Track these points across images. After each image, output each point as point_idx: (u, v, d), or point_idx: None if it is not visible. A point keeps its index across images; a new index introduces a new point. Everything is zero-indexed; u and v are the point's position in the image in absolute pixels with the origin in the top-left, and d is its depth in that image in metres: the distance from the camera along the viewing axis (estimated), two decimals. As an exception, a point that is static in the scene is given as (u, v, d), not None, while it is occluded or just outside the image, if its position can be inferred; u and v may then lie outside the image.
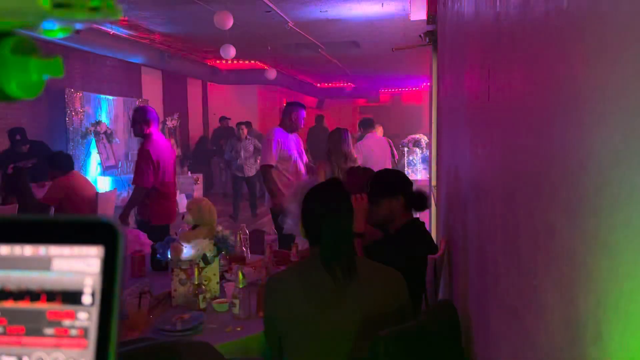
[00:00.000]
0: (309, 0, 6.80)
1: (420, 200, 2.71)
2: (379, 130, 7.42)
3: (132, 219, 4.89)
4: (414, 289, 2.21)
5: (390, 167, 6.46)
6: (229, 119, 12.21)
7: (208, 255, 2.61)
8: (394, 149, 7.38)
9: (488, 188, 1.50)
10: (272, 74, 11.15)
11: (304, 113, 4.95)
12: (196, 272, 2.49)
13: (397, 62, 11.91)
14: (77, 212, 4.92)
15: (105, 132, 9.09)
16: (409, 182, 2.76)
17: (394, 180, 2.73)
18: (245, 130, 9.28)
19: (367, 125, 6.97)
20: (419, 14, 5.07)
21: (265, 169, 4.73)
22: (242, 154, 9.17)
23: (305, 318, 1.84)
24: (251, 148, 9.19)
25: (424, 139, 7.99)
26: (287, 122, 4.86)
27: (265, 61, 11.95)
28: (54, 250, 0.40)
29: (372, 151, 6.48)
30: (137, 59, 9.49)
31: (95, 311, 0.39)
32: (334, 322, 1.83)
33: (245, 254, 3.13)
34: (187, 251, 2.61)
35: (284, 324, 1.87)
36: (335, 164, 4.77)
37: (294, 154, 4.85)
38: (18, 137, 6.17)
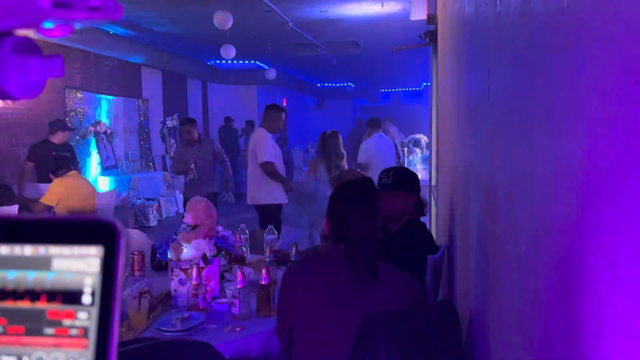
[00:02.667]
0: (309, 0, 6.80)
1: (423, 205, 2.78)
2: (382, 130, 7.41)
3: (131, 219, 4.91)
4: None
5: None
6: (233, 119, 12.20)
7: (208, 255, 2.61)
8: (399, 149, 7.37)
9: (488, 188, 1.50)
10: (272, 74, 11.14)
11: (284, 116, 5.40)
12: (196, 272, 2.49)
13: (397, 62, 11.92)
14: (76, 212, 4.91)
15: (105, 132, 9.09)
16: (419, 184, 2.84)
17: (414, 179, 2.80)
18: (195, 134, 6.05)
19: (374, 125, 6.94)
20: (419, 14, 5.08)
21: (269, 165, 5.10)
22: (192, 163, 5.88)
23: (318, 314, 1.85)
24: (210, 156, 6.04)
25: (424, 139, 7.99)
26: (270, 124, 5.23)
27: (265, 61, 11.95)
28: (54, 250, 0.40)
29: (377, 151, 6.49)
30: (137, 59, 9.49)
31: (95, 311, 0.39)
32: (346, 321, 1.83)
33: (245, 254, 3.13)
34: (187, 251, 2.61)
35: (297, 317, 1.88)
36: (334, 162, 5.13)
37: (280, 154, 5.35)
38: (59, 126, 6.17)
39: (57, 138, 6.03)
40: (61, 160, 5.20)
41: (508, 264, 1.18)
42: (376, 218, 1.93)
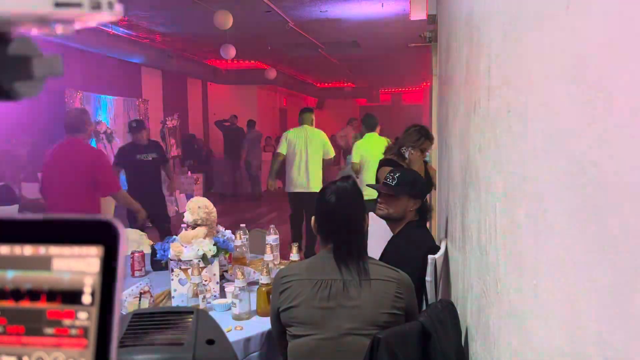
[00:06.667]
0: (309, 0, 6.80)
1: (426, 212, 2.74)
2: (378, 130, 7.27)
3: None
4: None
5: None
6: (236, 117, 12.24)
7: (208, 255, 2.61)
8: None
9: (488, 188, 1.50)
10: (272, 74, 11.14)
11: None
12: (196, 272, 2.49)
13: (397, 62, 11.92)
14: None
15: (105, 132, 9.09)
16: (427, 192, 2.81)
17: (420, 184, 2.75)
18: None
19: (369, 124, 6.59)
20: (419, 14, 5.08)
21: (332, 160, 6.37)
22: None
23: (311, 313, 1.86)
24: None
25: (424, 139, 7.94)
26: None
27: (265, 61, 11.95)
28: (54, 250, 0.40)
29: (371, 151, 6.34)
30: (137, 59, 9.48)
31: (95, 311, 0.39)
32: (338, 319, 1.84)
33: (245, 254, 3.13)
34: (187, 251, 2.61)
35: (290, 317, 1.89)
36: None
37: None
38: (135, 126, 5.81)
39: (143, 138, 5.78)
40: None
41: (508, 264, 1.18)
42: (361, 217, 1.97)
